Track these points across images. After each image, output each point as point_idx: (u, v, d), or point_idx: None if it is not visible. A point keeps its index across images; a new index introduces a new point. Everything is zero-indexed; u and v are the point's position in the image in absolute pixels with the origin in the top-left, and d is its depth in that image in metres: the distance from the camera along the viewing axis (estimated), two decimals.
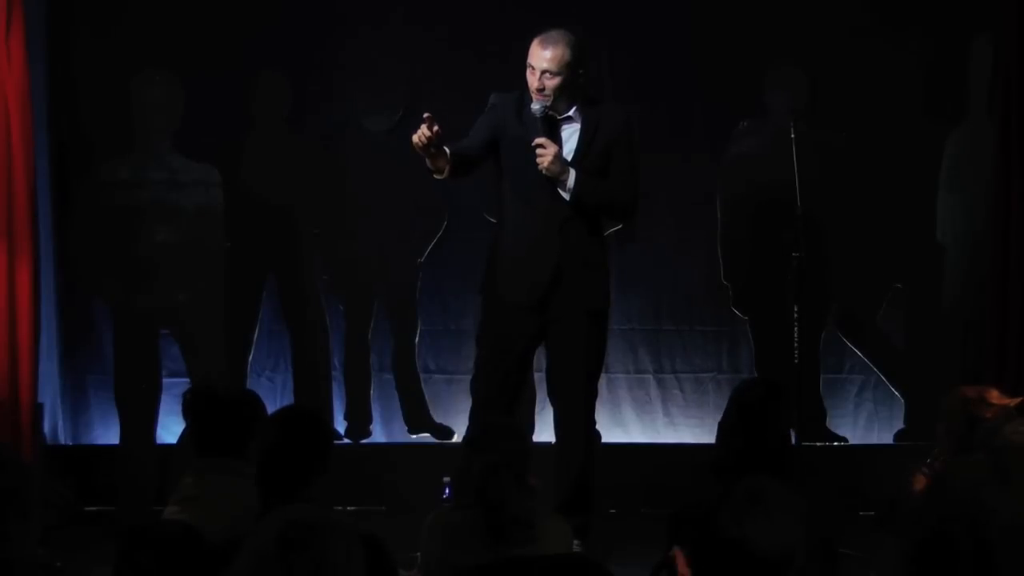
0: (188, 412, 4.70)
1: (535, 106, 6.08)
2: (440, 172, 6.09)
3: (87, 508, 7.33)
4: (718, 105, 7.74)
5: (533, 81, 6.08)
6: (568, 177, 6.06)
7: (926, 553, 2.93)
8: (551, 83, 6.06)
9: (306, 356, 7.90)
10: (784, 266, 6.69)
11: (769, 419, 4.61)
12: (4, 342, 6.82)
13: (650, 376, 7.93)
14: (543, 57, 6.07)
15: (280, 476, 4.08)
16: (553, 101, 6.09)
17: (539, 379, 7.56)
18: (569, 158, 6.11)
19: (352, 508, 7.13)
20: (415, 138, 5.93)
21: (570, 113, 6.14)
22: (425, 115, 5.91)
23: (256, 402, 4.72)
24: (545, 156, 6.02)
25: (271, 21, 7.71)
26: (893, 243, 7.83)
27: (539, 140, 6.04)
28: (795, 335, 6.52)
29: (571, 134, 6.16)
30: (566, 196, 6.07)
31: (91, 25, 7.73)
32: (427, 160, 6.04)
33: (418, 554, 4.58)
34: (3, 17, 6.79)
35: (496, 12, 7.64)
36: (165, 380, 7.75)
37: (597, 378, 6.30)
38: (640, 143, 6.35)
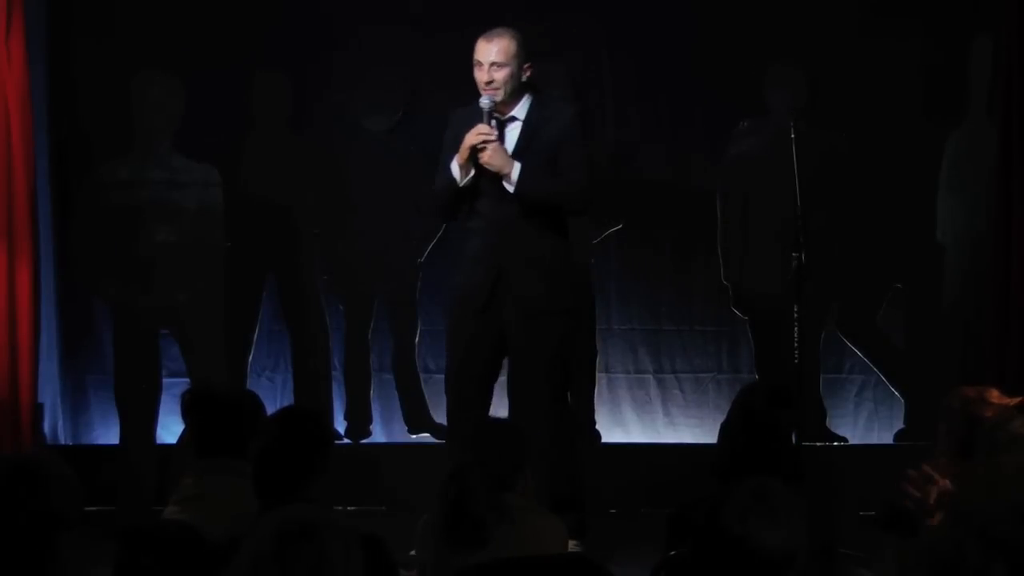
0: (187, 412, 4.70)
1: (484, 100, 6.16)
2: (462, 180, 6.17)
3: (87, 508, 7.31)
4: (718, 105, 7.74)
5: (482, 76, 6.19)
6: (512, 170, 6.09)
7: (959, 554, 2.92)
8: (499, 74, 6.16)
9: (306, 356, 7.90)
10: (784, 266, 6.69)
11: (772, 424, 4.60)
12: (4, 342, 6.82)
13: (650, 376, 7.93)
14: (489, 50, 6.19)
15: (279, 476, 4.08)
16: (502, 98, 6.16)
17: None
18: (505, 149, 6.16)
19: (352, 508, 7.13)
20: (475, 137, 6.07)
21: (514, 112, 6.20)
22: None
23: (256, 402, 4.72)
24: (485, 150, 6.06)
25: (271, 21, 7.71)
26: (893, 243, 7.83)
27: (479, 127, 6.06)
28: (795, 335, 6.52)
29: (514, 132, 6.20)
30: (510, 188, 6.10)
31: (91, 25, 7.72)
32: (460, 163, 6.13)
33: (414, 553, 4.59)
34: (3, 17, 6.79)
35: (496, 12, 7.63)
36: (165, 380, 7.74)
37: (557, 377, 6.32)
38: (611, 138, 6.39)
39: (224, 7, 7.71)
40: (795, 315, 6.52)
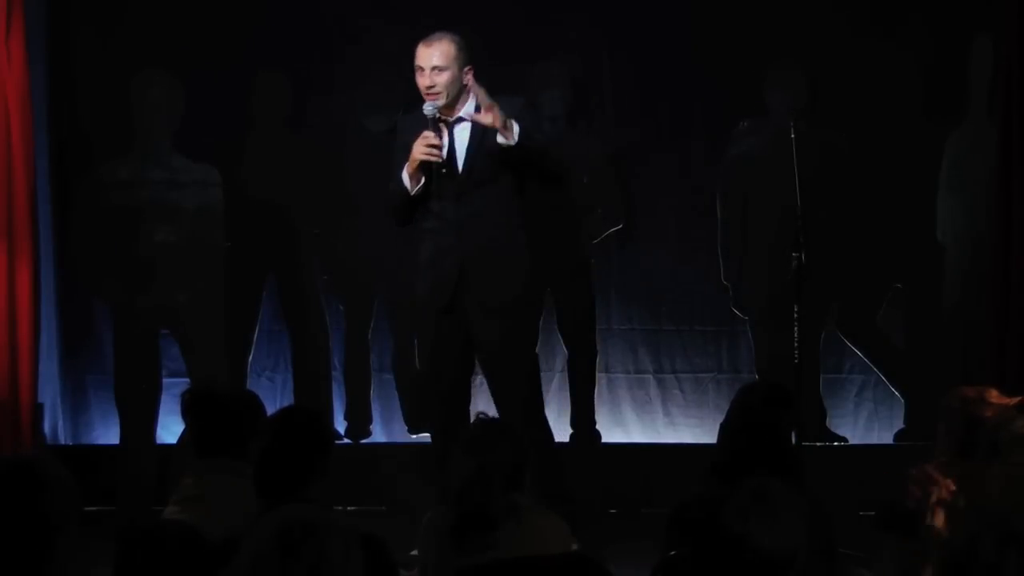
0: (187, 412, 4.70)
1: (427, 107, 6.15)
2: (412, 189, 6.20)
3: (87, 508, 7.31)
4: (718, 105, 7.74)
5: (423, 81, 6.17)
6: (511, 123, 6.05)
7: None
8: (440, 79, 6.15)
9: (306, 356, 7.90)
10: (784, 266, 6.69)
11: (771, 423, 4.60)
12: (4, 342, 6.82)
13: (650, 376, 7.93)
14: (430, 55, 6.18)
15: (280, 476, 4.08)
16: (445, 102, 6.15)
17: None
18: (462, 156, 6.19)
19: (352, 508, 7.12)
20: (424, 153, 6.05)
21: (461, 114, 6.21)
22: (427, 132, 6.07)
23: (256, 402, 4.72)
24: (490, 114, 5.98)
25: (271, 21, 7.71)
26: (893, 243, 7.83)
27: (425, 135, 6.10)
28: (795, 335, 6.52)
29: (464, 133, 6.22)
30: (512, 139, 6.04)
31: (91, 25, 7.73)
32: (409, 173, 6.16)
33: (415, 552, 4.58)
34: (3, 17, 6.79)
35: (495, 13, 7.65)
36: (165, 380, 7.75)
37: (528, 368, 6.36)
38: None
39: (224, 7, 7.71)
40: (795, 315, 6.52)
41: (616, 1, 7.82)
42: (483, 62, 7.40)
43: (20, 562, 3.16)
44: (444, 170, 6.15)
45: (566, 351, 7.83)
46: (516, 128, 6.06)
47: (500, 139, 6.06)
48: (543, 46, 7.78)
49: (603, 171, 7.81)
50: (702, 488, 4.41)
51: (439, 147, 6.11)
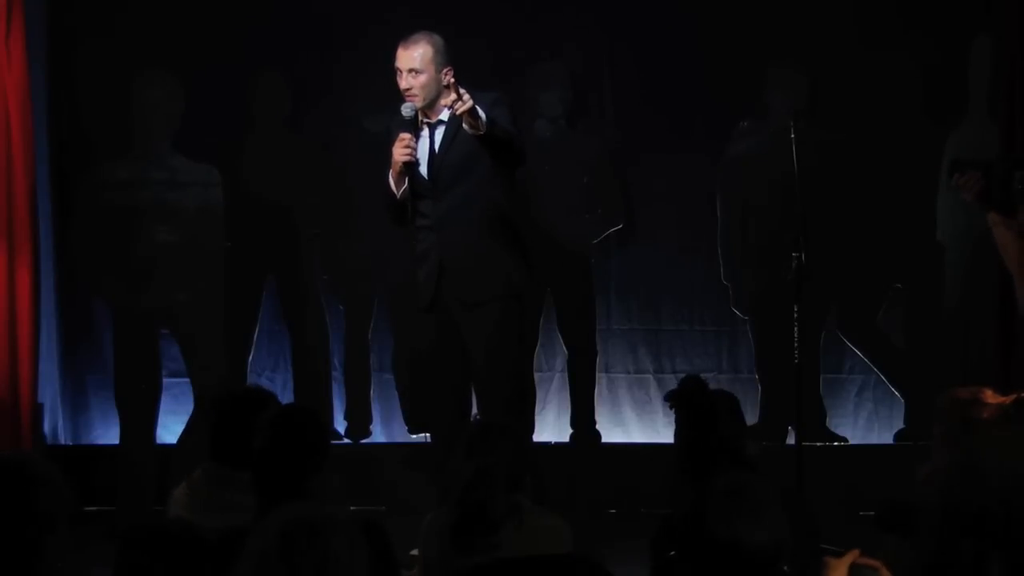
0: (209, 416, 4.67)
1: (405, 109, 6.20)
2: (398, 191, 6.26)
3: (87, 508, 7.32)
4: (718, 105, 7.74)
5: (401, 83, 6.23)
6: (478, 111, 6.07)
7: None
8: (417, 81, 6.19)
9: (306, 356, 7.90)
10: (784, 266, 6.69)
11: (706, 415, 4.58)
12: (4, 342, 6.83)
13: (650, 376, 7.93)
14: (407, 57, 6.23)
15: (277, 475, 4.08)
16: (425, 103, 6.20)
17: (539, 379, 7.58)
18: (440, 155, 6.24)
19: (352, 508, 7.12)
20: (401, 155, 6.12)
21: (442, 116, 6.24)
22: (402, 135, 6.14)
23: (275, 404, 4.68)
24: (464, 107, 5.97)
25: (272, 21, 7.72)
26: (893, 243, 7.83)
27: (401, 137, 6.16)
28: (795, 335, 6.52)
29: (441, 133, 6.29)
30: (481, 129, 6.03)
31: (91, 25, 7.73)
32: (393, 178, 6.23)
33: (414, 552, 4.59)
34: (3, 17, 6.80)
35: (498, 12, 7.65)
36: (165, 380, 7.76)
37: (509, 367, 6.34)
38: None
39: (224, 7, 7.71)
40: (795, 315, 6.52)
41: (617, 1, 7.82)
42: (483, 62, 7.43)
43: (9, 562, 3.16)
44: (419, 169, 6.22)
45: (566, 351, 7.83)
46: (483, 115, 6.05)
47: (467, 127, 6.07)
48: (543, 46, 7.78)
49: (603, 171, 7.82)
50: (678, 491, 4.42)
51: (413, 147, 6.15)
